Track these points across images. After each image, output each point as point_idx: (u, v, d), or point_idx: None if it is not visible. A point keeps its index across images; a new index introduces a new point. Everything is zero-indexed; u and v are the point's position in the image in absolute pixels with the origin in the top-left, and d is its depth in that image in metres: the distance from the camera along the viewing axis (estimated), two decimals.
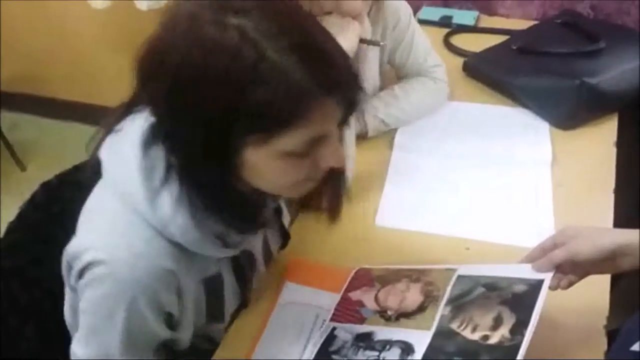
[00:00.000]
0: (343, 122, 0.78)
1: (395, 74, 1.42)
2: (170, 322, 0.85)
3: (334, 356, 0.89)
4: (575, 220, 1.12)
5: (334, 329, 0.93)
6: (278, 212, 1.02)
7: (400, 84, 1.40)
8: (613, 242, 0.81)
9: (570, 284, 0.85)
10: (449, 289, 0.89)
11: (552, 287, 0.83)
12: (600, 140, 1.34)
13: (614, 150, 1.30)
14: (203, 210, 0.77)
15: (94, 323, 0.82)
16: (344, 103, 0.74)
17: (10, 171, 2.47)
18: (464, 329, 0.81)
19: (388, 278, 0.98)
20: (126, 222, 0.78)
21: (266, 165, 0.74)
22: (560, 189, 1.21)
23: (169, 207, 0.76)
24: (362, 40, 1.16)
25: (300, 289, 1.03)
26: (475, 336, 0.79)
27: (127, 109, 0.81)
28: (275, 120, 0.69)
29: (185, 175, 0.76)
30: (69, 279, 0.84)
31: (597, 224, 1.08)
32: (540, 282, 0.81)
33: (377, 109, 1.34)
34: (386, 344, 0.86)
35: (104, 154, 0.81)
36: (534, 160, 1.27)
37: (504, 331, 0.77)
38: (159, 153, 0.77)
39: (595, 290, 0.95)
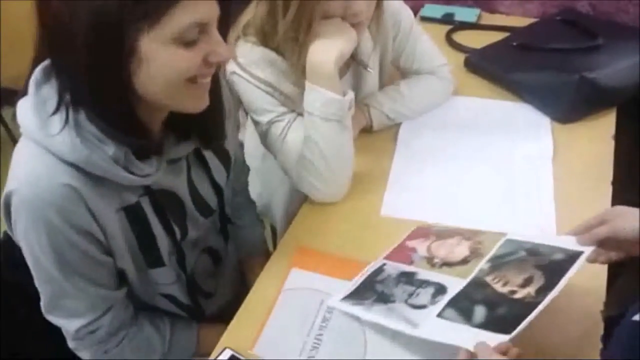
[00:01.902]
0: (222, 24, 0.86)
1: (400, 74, 1.45)
2: (102, 247, 0.92)
3: (377, 285, 1.00)
4: (575, 211, 1.14)
5: (384, 264, 1.04)
6: (204, 163, 1.05)
7: (406, 80, 1.42)
8: None
9: (609, 260, 0.90)
10: (494, 249, 0.96)
11: (591, 260, 0.88)
12: (599, 133, 1.37)
13: (612, 143, 1.33)
14: (95, 134, 0.84)
15: (32, 257, 0.89)
16: None
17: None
18: (496, 282, 0.88)
19: (444, 234, 1.07)
20: (27, 153, 0.86)
21: (161, 54, 0.80)
22: (560, 181, 1.24)
23: (58, 129, 0.82)
24: (352, 56, 1.18)
25: (306, 275, 1.06)
26: (504, 290, 0.86)
27: (33, 67, 0.87)
28: (158, 1, 0.77)
29: (77, 98, 0.83)
30: (11, 232, 0.91)
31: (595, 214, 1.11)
32: (579, 254, 0.86)
33: (382, 104, 1.37)
34: (423, 283, 0.96)
35: (17, 108, 0.87)
36: (535, 154, 1.30)
37: (530, 290, 0.84)
38: (51, 89, 0.84)
39: (594, 278, 0.99)
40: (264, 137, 1.22)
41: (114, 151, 0.85)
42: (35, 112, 0.83)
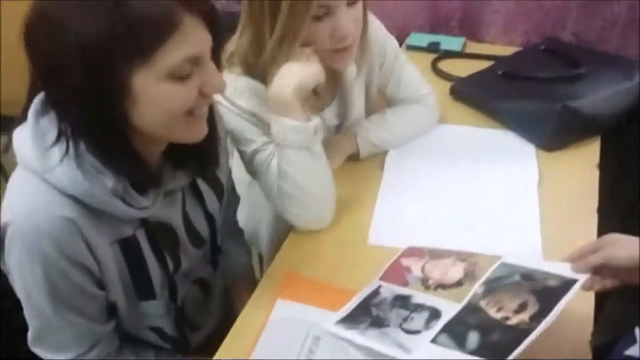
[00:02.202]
0: (215, 57, 0.87)
1: (387, 102, 1.46)
2: (96, 280, 0.91)
3: (372, 308, 1.00)
4: (561, 240, 1.16)
5: (380, 286, 1.04)
6: (198, 193, 1.05)
7: (393, 108, 1.44)
8: None
9: (604, 288, 0.89)
10: (489, 271, 0.95)
11: (586, 288, 0.87)
12: (584, 161, 1.38)
13: (597, 171, 1.34)
14: (95, 165, 0.83)
15: (24, 289, 0.88)
16: (207, 25, 0.83)
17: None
18: (490, 307, 0.88)
19: (439, 254, 1.06)
20: (25, 184, 0.85)
21: (154, 91, 0.80)
22: (546, 209, 1.24)
23: (57, 160, 0.82)
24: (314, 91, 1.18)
25: (292, 305, 1.05)
26: (498, 315, 0.86)
27: (29, 97, 0.87)
28: (149, 39, 0.77)
29: (75, 131, 0.82)
30: (2, 262, 0.90)
31: (581, 243, 1.11)
32: (573, 281, 0.86)
33: (369, 132, 1.38)
34: (418, 307, 0.96)
35: (14, 137, 0.87)
36: (521, 181, 1.31)
37: (524, 316, 0.84)
38: (51, 120, 0.84)
39: (582, 303, 0.98)
40: (249, 166, 1.23)
41: (113, 183, 0.85)
42: (35, 143, 0.83)
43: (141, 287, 0.97)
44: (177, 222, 1.02)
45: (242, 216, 1.39)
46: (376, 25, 1.33)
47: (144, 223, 0.93)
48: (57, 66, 0.78)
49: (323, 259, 1.15)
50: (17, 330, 0.98)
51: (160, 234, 0.97)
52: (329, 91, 1.34)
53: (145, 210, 0.91)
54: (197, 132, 0.90)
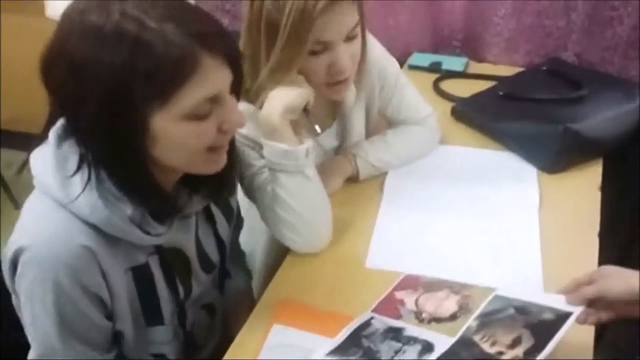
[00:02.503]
0: (235, 90, 0.88)
1: (387, 123, 1.45)
2: (105, 310, 0.90)
3: (363, 340, 0.97)
4: (562, 263, 1.14)
5: (371, 318, 1.02)
6: (211, 218, 1.05)
7: (393, 130, 1.43)
8: None
9: (599, 322, 0.88)
10: (483, 305, 0.94)
11: (581, 321, 0.86)
12: (586, 184, 1.36)
13: (599, 194, 1.33)
14: (114, 193, 0.84)
15: (31, 314, 0.88)
16: (227, 63, 0.83)
17: (5, 210, 2.48)
18: (485, 342, 0.87)
19: (433, 286, 1.05)
20: (45, 209, 0.85)
21: (174, 131, 0.82)
22: (547, 232, 1.23)
23: (79, 188, 0.82)
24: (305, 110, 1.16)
25: (288, 331, 1.04)
26: (492, 350, 0.85)
27: (49, 120, 0.87)
28: (168, 80, 0.78)
29: (95, 159, 0.83)
30: (11, 283, 0.89)
31: (582, 268, 1.09)
32: (568, 314, 0.85)
33: (369, 154, 1.37)
34: (411, 340, 0.94)
35: (32, 160, 0.87)
36: (522, 205, 1.30)
37: (518, 351, 0.82)
38: (72, 146, 0.85)
39: (581, 336, 0.96)
40: (246, 190, 1.22)
41: (132, 211, 0.85)
42: (57, 170, 0.83)
43: (150, 313, 0.96)
44: (190, 248, 1.02)
45: (242, 238, 1.38)
46: (377, 48, 1.33)
47: (158, 250, 0.93)
48: (75, 101, 0.80)
49: (320, 283, 1.14)
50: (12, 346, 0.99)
51: (173, 261, 0.97)
52: (328, 113, 1.34)
53: (161, 236, 0.91)
54: (217, 165, 0.91)
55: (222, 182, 0.99)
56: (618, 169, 1.47)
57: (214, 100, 0.83)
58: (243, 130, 1.15)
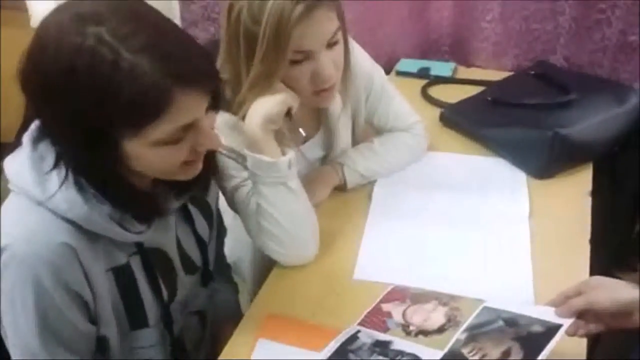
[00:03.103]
0: (213, 107, 0.86)
1: (374, 131, 1.43)
2: (88, 313, 0.89)
3: (350, 354, 0.95)
4: (553, 273, 1.13)
5: (358, 331, 0.99)
6: (189, 218, 1.04)
7: (380, 138, 1.41)
8: (631, 295, 0.82)
9: (588, 334, 0.88)
10: (471, 317, 0.92)
11: (570, 334, 0.85)
12: (576, 189, 1.35)
13: (589, 199, 1.31)
14: (92, 192, 0.83)
15: (12, 319, 0.86)
16: (205, 92, 0.82)
17: None
18: (473, 355, 0.85)
19: (420, 297, 1.03)
20: (21, 209, 0.84)
21: (145, 154, 0.81)
22: (537, 239, 1.21)
23: (57, 184, 0.82)
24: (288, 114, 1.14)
25: (274, 345, 1.02)
26: None
27: (23, 124, 0.87)
28: (140, 114, 0.76)
29: (71, 163, 0.82)
30: None
31: (574, 276, 1.08)
32: (557, 327, 0.84)
33: (356, 162, 1.35)
34: (398, 354, 0.92)
35: (6, 165, 0.87)
36: (511, 212, 1.28)
37: None
38: (48, 146, 0.84)
39: (572, 348, 0.95)
40: (230, 202, 1.20)
41: (111, 209, 0.84)
42: (33, 168, 0.82)
43: (134, 316, 0.95)
44: (172, 249, 1.01)
45: (227, 248, 1.36)
46: (362, 56, 1.31)
47: (139, 250, 0.92)
48: (49, 113, 0.80)
49: (307, 296, 1.12)
50: None
51: (155, 261, 0.96)
52: (313, 123, 1.32)
53: (142, 234, 0.90)
54: (192, 173, 0.91)
55: (198, 180, 0.97)
56: (609, 173, 1.45)
57: (188, 127, 0.82)
58: (224, 141, 1.13)
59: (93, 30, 0.74)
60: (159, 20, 0.81)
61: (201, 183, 1.00)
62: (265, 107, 1.08)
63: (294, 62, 1.08)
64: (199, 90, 0.81)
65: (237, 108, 1.11)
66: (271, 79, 1.07)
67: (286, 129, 1.15)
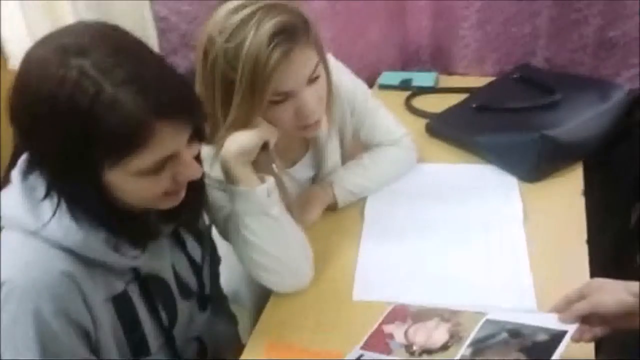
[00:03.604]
0: (196, 138, 0.86)
1: (362, 146, 1.42)
2: (90, 344, 0.87)
3: None
4: (553, 275, 1.12)
5: (361, 355, 0.98)
6: (182, 243, 1.03)
7: (369, 153, 1.40)
8: (635, 295, 0.81)
9: (594, 338, 0.85)
10: (474, 331, 0.91)
11: (576, 340, 0.83)
12: (568, 190, 1.34)
13: (583, 199, 1.31)
14: (85, 219, 0.83)
15: (13, 353, 0.83)
16: (186, 123, 0.82)
17: None
18: None
19: (421, 315, 1.01)
20: (16, 242, 0.83)
21: (126, 183, 0.82)
22: (534, 244, 1.20)
23: (50, 213, 0.82)
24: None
25: None
26: None
27: (12, 159, 0.87)
28: (120, 146, 0.77)
29: (61, 192, 0.82)
30: None
31: (574, 277, 1.07)
32: (563, 333, 0.82)
33: (346, 180, 1.34)
34: None
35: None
36: (506, 219, 1.27)
37: None
38: (38, 176, 0.84)
39: (581, 352, 0.93)
40: (222, 233, 1.18)
41: (105, 235, 0.84)
42: (25, 200, 0.82)
43: (135, 343, 0.93)
44: (168, 274, 1.00)
45: (223, 278, 1.33)
46: (343, 74, 1.30)
47: (136, 277, 0.91)
48: (35, 143, 0.81)
49: (307, 321, 1.10)
50: None
51: (153, 288, 0.95)
52: (301, 143, 1.31)
53: (137, 259, 0.90)
54: (174, 202, 0.90)
55: (187, 206, 0.96)
56: (599, 170, 1.45)
57: (169, 157, 0.82)
58: (212, 173, 1.12)
59: (76, 63, 0.75)
60: (142, 52, 0.82)
61: (191, 210, 0.99)
62: (239, 140, 1.05)
63: (275, 102, 1.06)
64: (180, 123, 0.81)
65: (217, 145, 1.09)
66: (249, 122, 1.05)
67: (263, 160, 1.12)
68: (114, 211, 0.85)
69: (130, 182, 0.82)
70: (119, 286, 0.90)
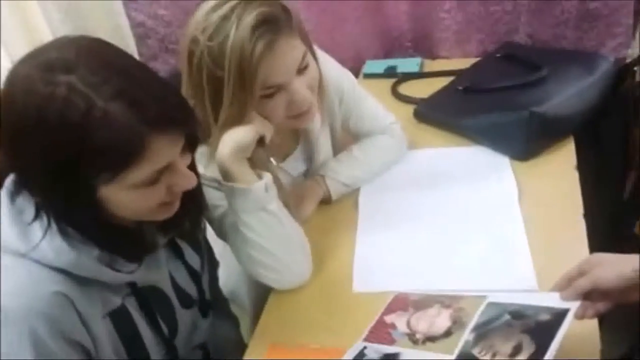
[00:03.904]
0: (189, 148, 0.86)
1: (352, 137, 1.41)
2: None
3: None
4: (552, 252, 1.11)
5: (364, 347, 0.97)
6: (179, 253, 1.02)
7: (359, 144, 1.39)
8: (635, 268, 0.80)
9: (597, 314, 0.85)
10: (476, 315, 0.90)
11: (579, 317, 0.83)
12: (561, 166, 1.33)
13: (576, 174, 1.30)
14: (78, 236, 0.82)
15: None
16: (179, 134, 0.81)
17: None
18: (484, 354, 0.82)
19: (422, 303, 1.00)
20: (7, 266, 0.81)
21: (121, 197, 0.81)
22: (531, 222, 1.19)
23: (40, 234, 0.80)
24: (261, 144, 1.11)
25: None
26: None
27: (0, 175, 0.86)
28: (115, 161, 0.76)
29: (52, 212, 0.81)
30: None
31: (573, 253, 1.06)
32: (565, 311, 0.81)
33: (338, 172, 1.33)
34: None
35: None
36: (501, 199, 1.26)
37: (521, 358, 0.78)
38: (26, 198, 0.82)
39: (584, 329, 0.92)
40: (218, 232, 1.18)
41: (99, 252, 0.83)
42: (13, 222, 0.81)
43: (136, 357, 0.92)
44: (166, 284, 0.98)
45: (221, 280, 1.32)
46: (329, 63, 1.28)
47: (133, 290, 0.90)
48: (23, 163, 0.78)
49: (308, 317, 1.09)
50: None
51: (152, 299, 0.94)
52: (292, 138, 1.30)
53: (133, 273, 0.88)
54: (169, 213, 0.89)
55: (184, 216, 0.95)
56: (591, 143, 1.44)
57: (164, 169, 0.82)
58: (207, 172, 1.11)
59: (64, 79, 0.73)
60: (129, 64, 0.81)
61: (190, 220, 0.99)
62: (234, 137, 1.05)
63: (267, 96, 1.05)
64: (173, 134, 0.81)
65: (211, 145, 1.08)
66: (240, 121, 1.04)
67: (259, 156, 1.12)
68: (107, 227, 0.84)
69: (125, 196, 0.81)
70: (116, 301, 0.89)
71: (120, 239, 0.86)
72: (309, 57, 1.08)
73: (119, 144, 0.75)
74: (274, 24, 1.00)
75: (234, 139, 1.04)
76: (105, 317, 0.87)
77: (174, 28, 1.87)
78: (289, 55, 1.03)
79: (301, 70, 1.06)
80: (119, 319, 0.89)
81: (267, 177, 1.08)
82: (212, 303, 1.17)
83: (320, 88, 1.15)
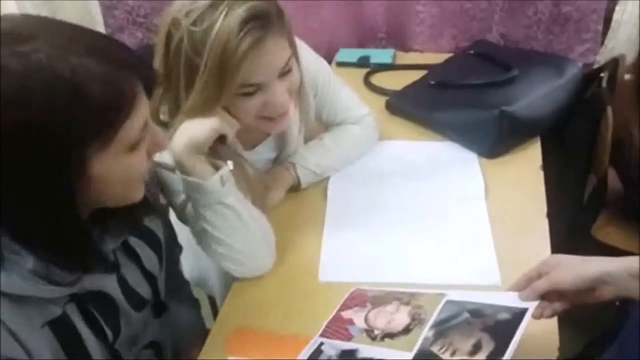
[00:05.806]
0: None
1: (324, 126, 1.40)
2: None
3: None
4: (515, 251, 1.13)
5: (321, 344, 0.95)
6: (133, 253, 0.97)
7: (330, 133, 1.38)
8: (593, 271, 0.82)
9: (555, 313, 0.86)
10: (435, 313, 0.90)
11: (536, 316, 0.84)
12: (527, 165, 1.36)
13: (542, 174, 1.32)
14: (10, 247, 0.76)
15: None
16: (145, 86, 0.79)
17: None
18: (444, 352, 0.82)
19: (380, 299, 0.99)
20: None
21: (114, 166, 0.77)
22: (496, 219, 1.21)
23: None
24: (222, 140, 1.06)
25: None
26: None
27: None
28: (110, 121, 0.73)
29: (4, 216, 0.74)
30: None
31: (536, 251, 1.09)
32: (524, 311, 0.82)
33: (307, 160, 1.32)
34: None
35: None
36: (467, 195, 1.27)
37: (481, 356, 0.79)
38: None
39: (543, 327, 0.94)
40: (181, 217, 1.15)
41: (33, 263, 0.77)
42: None
43: None
44: (113, 288, 0.93)
45: (187, 264, 1.30)
46: (308, 55, 1.25)
47: (74, 297, 0.85)
48: (10, 153, 0.70)
49: (273, 305, 1.08)
50: None
51: (94, 305, 0.88)
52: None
53: (75, 285, 0.83)
54: (139, 194, 0.86)
55: (133, 213, 0.91)
56: (554, 146, 1.47)
57: (145, 126, 0.80)
58: (167, 159, 1.07)
59: (29, 48, 0.68)
60: (85, 28, 0.78)
61: (137, 215, 0.94)
62: (191, 131, 0.99)
63: (243, 94, 1.02)
64: (141, 84, 0.79)
65: (171, 129, 1.04)
66: (209, 111, 1.00)
67: (224, 147, 1.07)
68: (78, 230, 0.80)
69: (116, 164, 0.77)
70: (56, 310, 0.83)
71: (72, 244, 0.80)
72: (293, 62, 1.06)
73: (112, 97, 0.72)
74: (265, 21, 0.96)
75: (188, 135, 0.99)
76: (44, 326, 0.81)
77: (143, 0, 1.83)
78: (275, 55, 1.00)
79: (283, 73, 1.03)
80: (59, 327, 0.83)
81: (224, 169, 1.04)
82: (170, 293, 1.13)
83: (299, 94, 1.13)
